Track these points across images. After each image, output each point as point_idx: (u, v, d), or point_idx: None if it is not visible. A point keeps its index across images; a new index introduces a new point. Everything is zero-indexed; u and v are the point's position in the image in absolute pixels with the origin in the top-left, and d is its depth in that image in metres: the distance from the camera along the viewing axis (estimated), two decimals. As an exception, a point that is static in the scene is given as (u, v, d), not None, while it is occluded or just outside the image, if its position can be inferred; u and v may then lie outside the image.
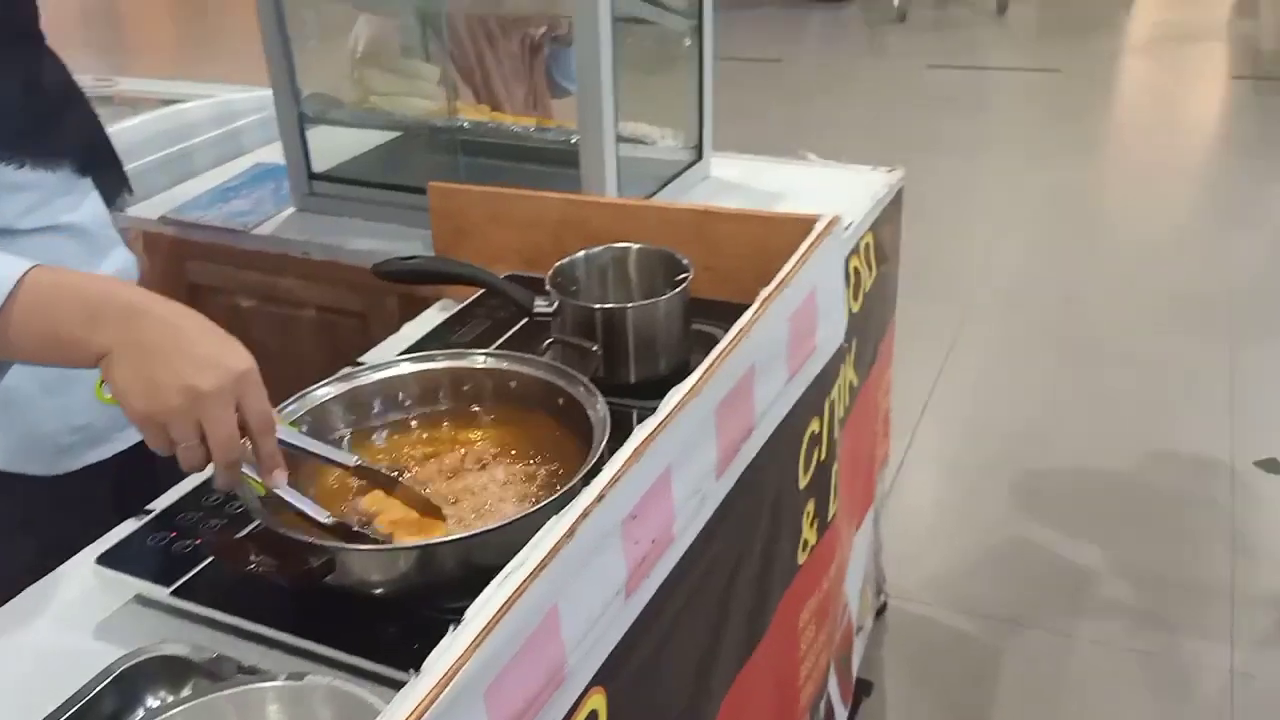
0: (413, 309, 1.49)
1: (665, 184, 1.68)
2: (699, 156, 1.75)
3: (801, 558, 1.29)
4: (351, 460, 0.92)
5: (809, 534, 1.31)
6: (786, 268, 1.14)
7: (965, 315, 3.28)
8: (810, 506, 1.30)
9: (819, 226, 1.22)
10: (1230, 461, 2.46)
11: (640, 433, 0.85)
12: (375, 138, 1.92)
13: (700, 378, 0.94)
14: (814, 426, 1.26)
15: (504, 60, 2.20)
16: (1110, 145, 4.71)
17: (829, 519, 1.38)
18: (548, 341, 1.13)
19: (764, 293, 1.09)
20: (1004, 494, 2.50)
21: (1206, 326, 2.93)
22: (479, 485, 0.93)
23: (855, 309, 1.59)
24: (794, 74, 5.80)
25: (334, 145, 1.83)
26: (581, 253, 1.22)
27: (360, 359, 1.28)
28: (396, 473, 0.93)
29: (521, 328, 1.24)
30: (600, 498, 0.78)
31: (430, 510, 0.90)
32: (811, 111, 5.12)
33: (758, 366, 1.07)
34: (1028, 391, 2.90)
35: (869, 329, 1.68)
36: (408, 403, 1.01)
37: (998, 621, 2.14)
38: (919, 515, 2.45)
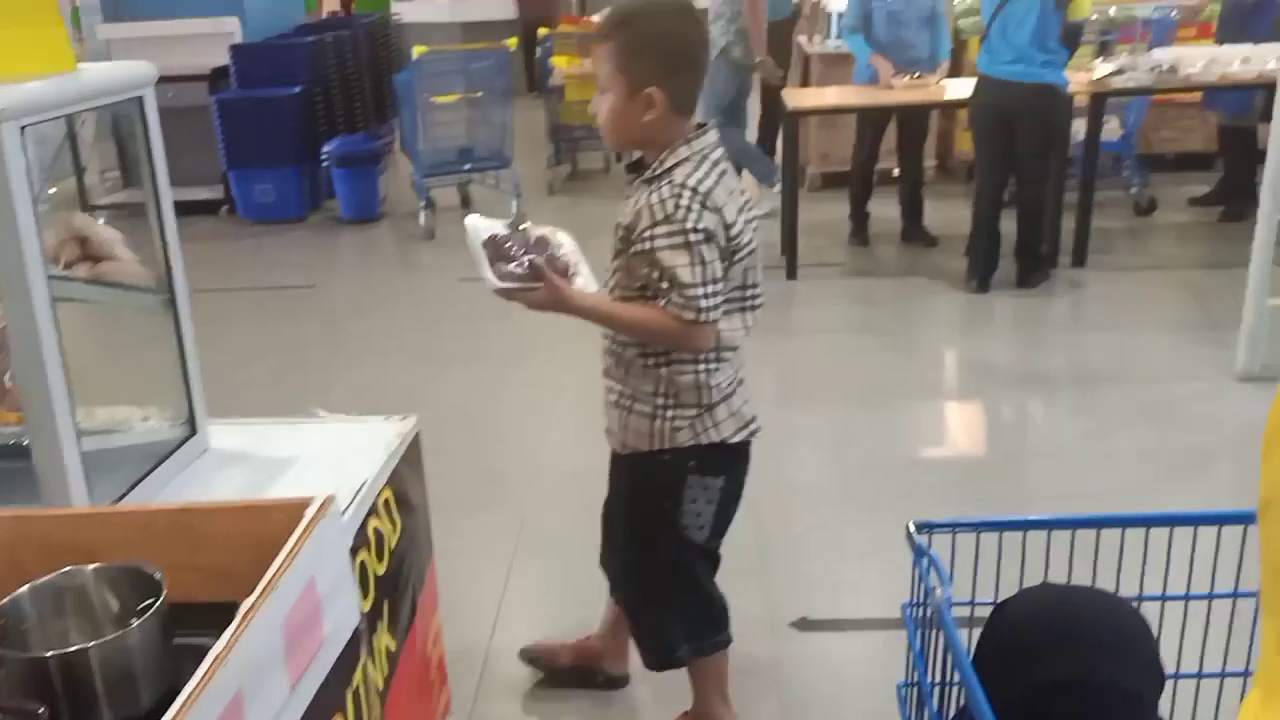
0: None
1: (155, 467, 1.53)
2: (192, 431, 1.63)
3: None
4: None
5: (351, 842, 1.19)
6: (273, 568, 1.06)
7: (524, 516, 3.33)
8: (347, 812, 1.18)
9: (310, 511, 1.16)
10: (770, 623, 2.67)
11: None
12: None
13: (163, 735, 0.82)
14: (336, 724, 1.16)
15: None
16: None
17: (374, 816, 1.27)
18: (-21, 714, 0.94)
19: (245, 605, 0.99)
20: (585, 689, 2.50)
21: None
22: None
23: (381, 571, 1.53)
24: (329, 298, 5.77)
25: None
26: (25, 588, 1.05)
27: None
28: None
29: (-42, 691, 1.03)
30: None
31: None
32: (349, 335, 5.10)
33: (247, 689, 0.97)
34: (597, 580, 2.97)
35: (402, 586, 1.62)
36: None
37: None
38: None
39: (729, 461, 2.05)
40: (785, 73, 6.68)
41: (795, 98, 5.57)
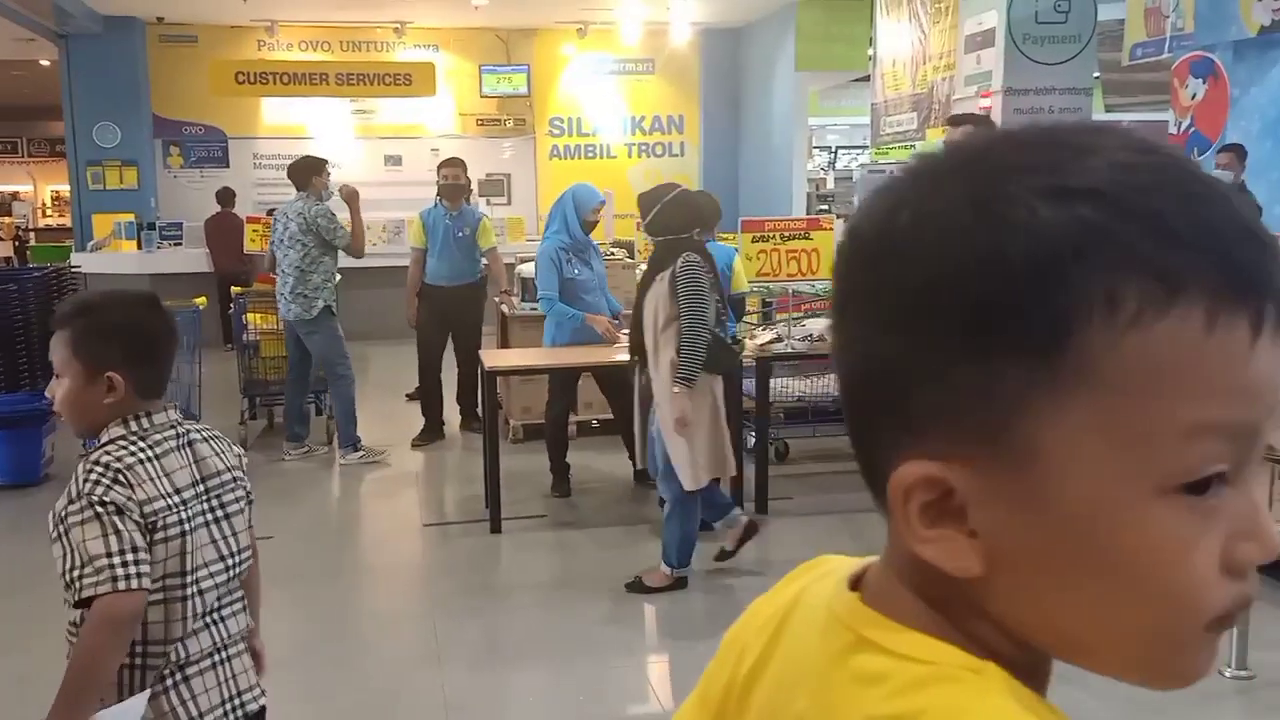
0: None
1: None
2: None
3: None
4: None
5: None
6: None
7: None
8: None
9: None
10: None
11: None
12: None
13: None
14: None
15: None
16: (325, 593, 4.84)
17: None
18: None
19: None
20: None
21: None
22: None
23: None
24: (-22, 576, 5.10)
25: None
26: None
27: None
28: None
29: None
30: None
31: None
32: (6, 619, 4.50)
33: None
34: None
35: None
36: None
37: None
38: None
39: None
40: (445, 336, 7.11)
41: (492, 358, 5.81)
